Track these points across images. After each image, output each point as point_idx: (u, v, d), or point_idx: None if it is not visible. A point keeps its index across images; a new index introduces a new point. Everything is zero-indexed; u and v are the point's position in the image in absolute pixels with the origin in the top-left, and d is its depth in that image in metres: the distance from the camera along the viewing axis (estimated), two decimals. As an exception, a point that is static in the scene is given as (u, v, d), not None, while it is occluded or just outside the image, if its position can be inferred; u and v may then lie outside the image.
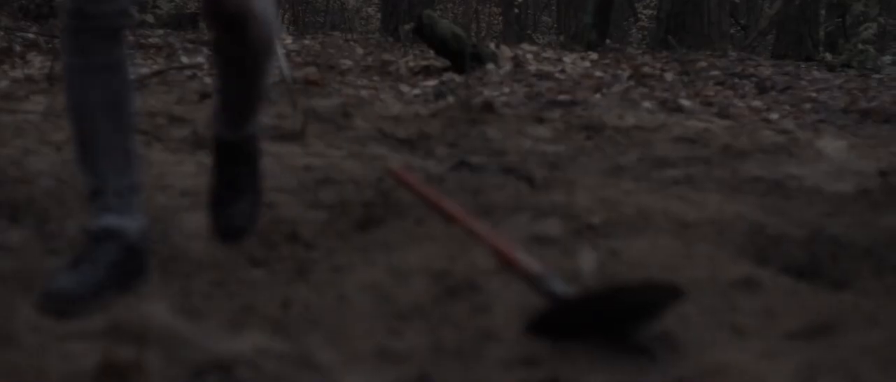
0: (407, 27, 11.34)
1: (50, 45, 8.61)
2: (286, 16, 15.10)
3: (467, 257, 2.62)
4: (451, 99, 7.15)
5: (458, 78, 8.28)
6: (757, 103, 7.94)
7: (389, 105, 6.52)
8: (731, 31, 15.08)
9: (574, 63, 9.97)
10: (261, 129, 3.07)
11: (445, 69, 8.96)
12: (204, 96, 6.24)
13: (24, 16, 11.97)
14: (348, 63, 9.47)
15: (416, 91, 7.87)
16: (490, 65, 9.16)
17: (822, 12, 13.93)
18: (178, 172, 3.90)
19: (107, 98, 2.58)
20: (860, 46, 11.84)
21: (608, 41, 13.72)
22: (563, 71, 9.32)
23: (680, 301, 2.26)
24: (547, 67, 9.48)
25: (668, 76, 9.22)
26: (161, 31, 11.35)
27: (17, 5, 12.50)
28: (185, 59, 8.80)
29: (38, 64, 7.87)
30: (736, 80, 9.21)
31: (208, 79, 7.77)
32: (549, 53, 10.69)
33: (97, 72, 2.57)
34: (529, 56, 10.04)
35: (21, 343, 2.18)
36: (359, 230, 3.21)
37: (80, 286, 2.45)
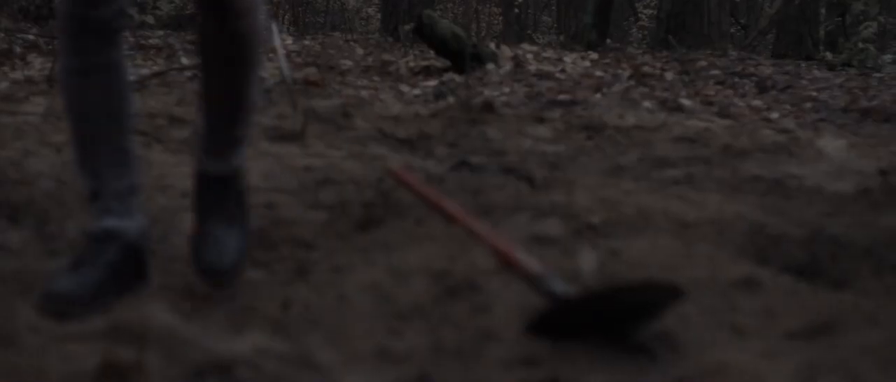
0: (407, 27, 11.35)
1: (50, 47, 8.61)
2: (286, 16, 15.11)
3: (467, 257, 2.62)
4: (451, 99, 7.15)
5: (458, 78, 8.28)
6: (757, 102, 7.94)
7: (389, 105, 6.52)
8: (732, 30, 15.08)
9: (574, 63, 9.98)
10: (245, 165, 2.89)
11: (445, 69, 8.97)
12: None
13: (23, 17, 11.97)
14: (348, 63, 9.47)
15: (417, 91, 7.87)
16: (490, 65, 9.16)
17: (823, 11, 13.92)
18: (178, 173, 3.90)
19: (105, 100, 2.58)
20: (860, 45, 11.84)
21: (608, 41, 13.72)
22: (563, 71, 9.32)
23: (680, 300, 2.26)
24: (547, 67, 9.48)
25: (669, 76, 9.22)
26: (161, 32, 11.35)
27: (16, 7, 12.50)
28: (185, 61, 8.80)
29: (38, 65, 7.87)
30: (736, 80, 9.21)
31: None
32: (549, 53, 10.69)
33: (95, 74, 2.56)
34: (529, 56, 10.05)
35: (21, 344, 2.19)
36: (359, 230, 3.21)
37: (81, 287, 2.44)
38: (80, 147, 2.62)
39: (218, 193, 2.79)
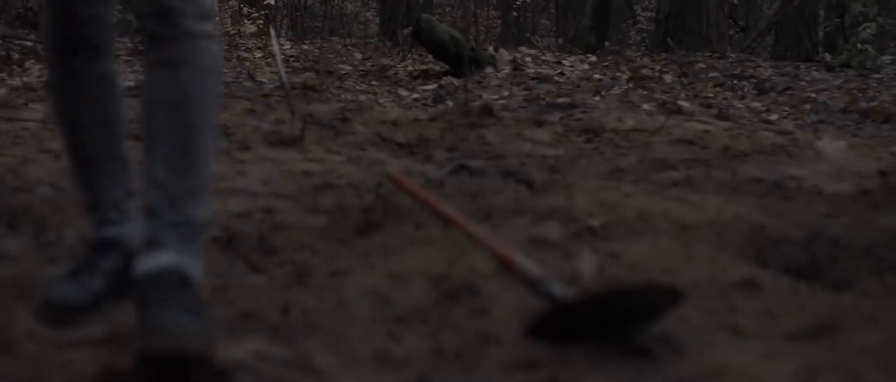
0: (405, 31, 11.36)
1: (48, 53, 8.59)
2: (284, 21, 15.11)
3: (466, 261, 2.62)
4: (449, 103, 7.16)
5: (456, 82, 8.29)
6: (756, 104, 7.95)
7: (388, 109, 6.53)
8: (730, 32, 15.08)
9: (573, 66, 9.98)
10: (201, 272, 2.24)
11: (444, 73, 8.98)
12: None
13: (21, 23, 11.97)
14: (347, 68, 9.48)
15: (415, 95, 7.88)
16: (489, 69, 9.17)
17: (821, 13, 13.93)
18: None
19: (96, 112, 2.56)
20: (859, 46, 11.84)
21: (607, 43, 13.73)
22: (561, 74, 9.33)
23: (680, 302, 2.25)
24: (546, 70, 9.49)
25: (668, 78, 9.24)
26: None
27: (14, 13, 12.50)
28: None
29: (36, 72, 7.86)
30: (735, 82, 9.22)
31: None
32: (547, 56, 10.71)
33: (84, 87, 2.55)
34: (528, 59, 10.06)
35: (20, 351, 2.18)
36: (358, 235, 3.21)
37: (80, 295, 2.44)
38: (74, 159, 2.61)
39: (165, 292, 2.12)
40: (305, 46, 11.73)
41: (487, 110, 6.09)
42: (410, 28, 10.28)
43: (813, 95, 8.50)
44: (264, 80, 8.27)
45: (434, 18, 9.96)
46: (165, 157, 2.22)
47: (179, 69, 2.24)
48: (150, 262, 2.17)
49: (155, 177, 2.22)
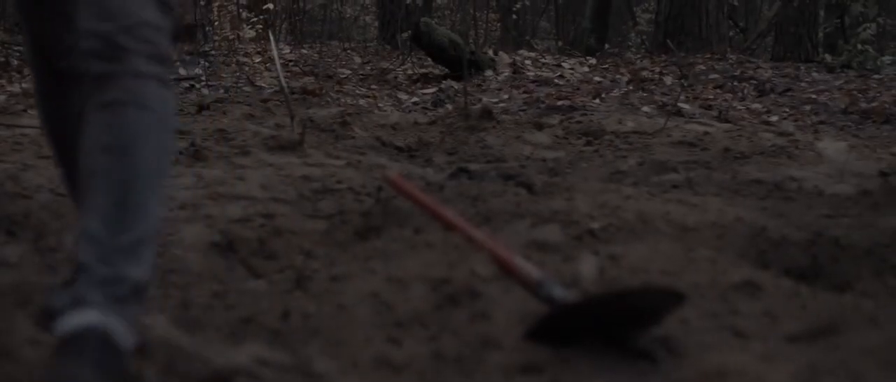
0: (404, 35, 11.36)
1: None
2: (283, 25, 15.11)
3: (466, 264, 2.61)
4: (449, 106, 7.16)
5: (456, 85, 8.29)
6: (756, 106, 7.95)
7: (388, 113, 6.53)
8: (730, 33, 15.08)
9: (573, 68, 9.99)
10: (133, 340, 1.97)
11: (444, 76, 8.98)
12: (201, 108, 6.24)
13: (21, 30, 11.97)
14: (346, 72, 9.49)
15: (415, 99, 7.89)
16: (488, 72, 9.17)
17: (821, 13, 13.93)
18: (175, 184, 3.90)
19: None
20: (859, 47, 11.85)
21: (607, 46, 13.73)
22: (561, 76, 9.33)
23: (680, 305, 2.25)
24: (545, 73, 9.49)
25: (667, 80, 9.24)
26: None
27: (13, 19, 12.50)
28: (182, 71, 8.81)
29: (36, 78, 7.86)
30: (735, 83, 9.22)
31: (206, 91, 7.78)
32: (547, 59, 10.71)
33: (76, 112, 2.53)
34: (528, 62, 10.06)
35: (19, 357, 2.17)
36: (358, 239, 3.20)
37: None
38: (69, 178, 2.60)
39: (79, 350, 1.88)
40: (305, 51, 11.74)
41: (487, 113, 6.09)
42: (410, 32, 10.29)
43: (813, 96, 8.50)
44: (264, 85, 8.27)
45: (433, 22, 9.96)
46: (101, 209, 1.97)
47: (123, 111, 1.99)
48: (70, 322, 1.90)
49: (88, 229, 1.97)
